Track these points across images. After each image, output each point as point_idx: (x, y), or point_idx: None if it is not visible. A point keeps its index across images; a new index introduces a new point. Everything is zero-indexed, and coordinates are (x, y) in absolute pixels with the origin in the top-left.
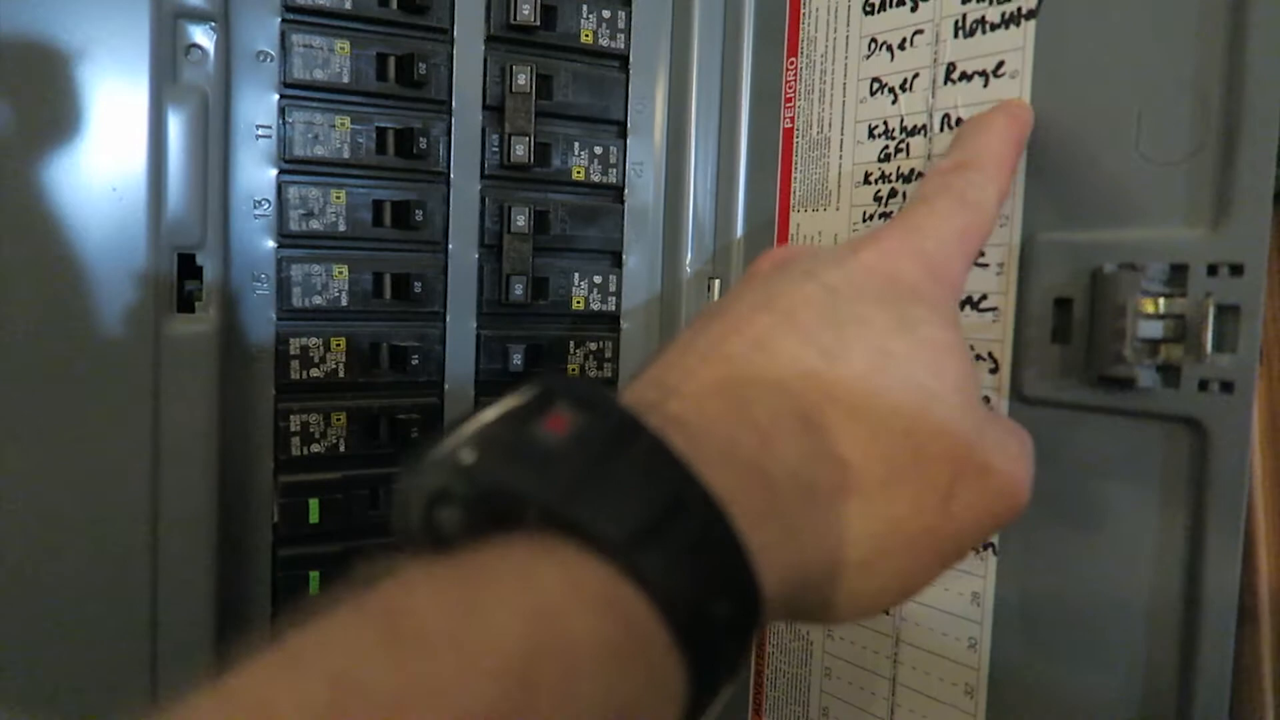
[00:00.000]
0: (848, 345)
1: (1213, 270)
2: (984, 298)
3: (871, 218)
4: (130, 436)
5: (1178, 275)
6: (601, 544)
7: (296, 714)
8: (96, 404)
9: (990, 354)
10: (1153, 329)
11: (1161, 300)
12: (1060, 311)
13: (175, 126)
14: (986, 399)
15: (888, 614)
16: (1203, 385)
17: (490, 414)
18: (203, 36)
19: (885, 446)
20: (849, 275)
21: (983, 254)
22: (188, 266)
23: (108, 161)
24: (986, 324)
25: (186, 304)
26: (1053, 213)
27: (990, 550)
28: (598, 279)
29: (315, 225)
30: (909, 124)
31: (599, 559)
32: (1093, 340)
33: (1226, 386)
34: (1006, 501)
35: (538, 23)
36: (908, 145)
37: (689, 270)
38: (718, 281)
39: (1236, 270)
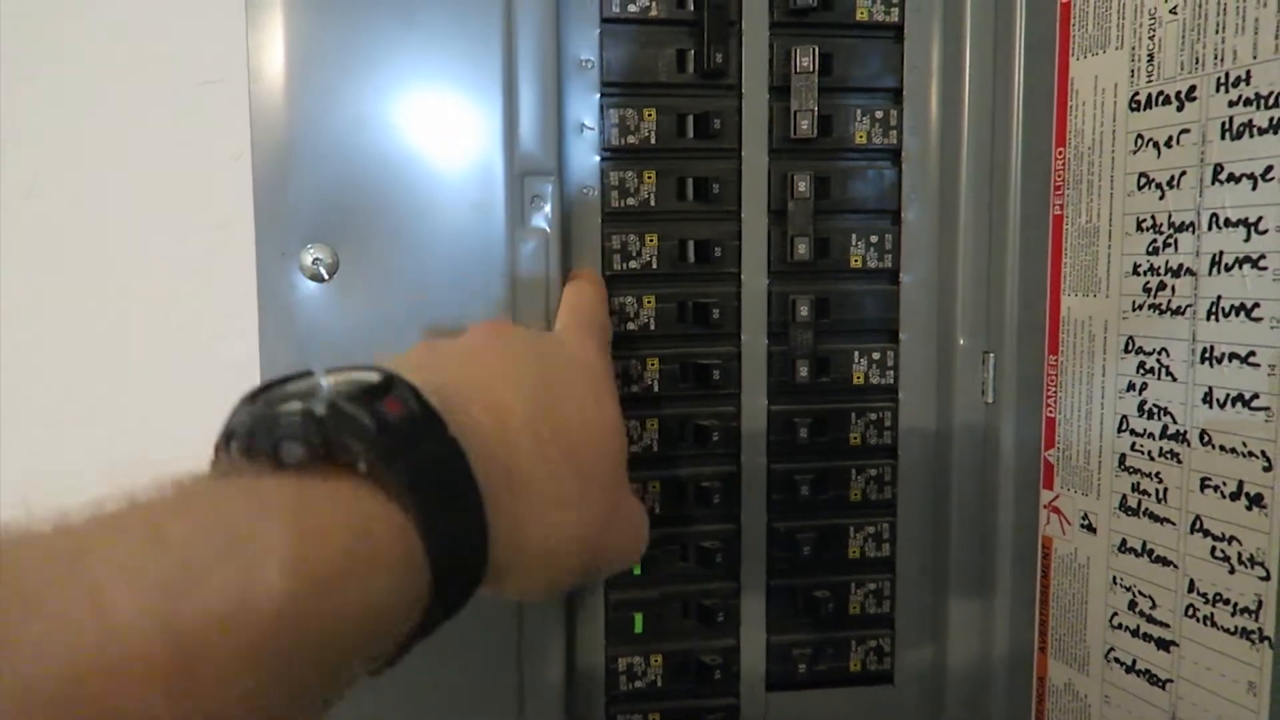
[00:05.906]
0: (564, 403)
1: None
2: (1255, 397)
3: (1140, 308)
4: None
5: None
6: (405, 502)
7: (145, 575)
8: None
9: (1264, 452)
10: None
11: None
12: None
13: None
14: (1260, 496)
15: (1162, 688)
16: None
17: (344, 384)
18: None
19: (584, 484)
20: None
21: (1254, 353)
22: None
23: None
24: (1259, 423)
25: None
26: None
27: (1266, 643)
28: (876, 355)
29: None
30: (1176, 220)
31: (401, 512)
32: None
33: None
34: (635, 546)
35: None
36: (1176, 240)
37: (961, 343)
38: (992, 356)
39: None
